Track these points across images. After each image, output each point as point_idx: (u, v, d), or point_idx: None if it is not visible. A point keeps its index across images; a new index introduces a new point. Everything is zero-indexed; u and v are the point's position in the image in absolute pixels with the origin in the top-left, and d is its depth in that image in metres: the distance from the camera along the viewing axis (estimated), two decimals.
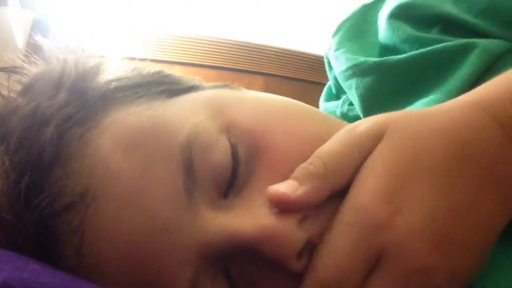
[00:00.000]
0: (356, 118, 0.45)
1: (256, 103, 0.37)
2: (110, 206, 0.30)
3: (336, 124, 0.37)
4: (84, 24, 1.24)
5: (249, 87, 0.43)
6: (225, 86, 0.40)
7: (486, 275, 0.31)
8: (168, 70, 0.40)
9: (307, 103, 0.39)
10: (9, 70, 0.36)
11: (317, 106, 0.52)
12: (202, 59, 1.45)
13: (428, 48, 0.40)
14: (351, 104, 0.47)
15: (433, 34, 0.42)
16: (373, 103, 0.42)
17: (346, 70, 0.44)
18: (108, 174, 0.30)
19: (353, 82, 0.43)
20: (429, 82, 0.40)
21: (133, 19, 1.40)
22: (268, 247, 0.29)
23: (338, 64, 0.45)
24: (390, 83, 0.42)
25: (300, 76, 1.53)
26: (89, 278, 0.30)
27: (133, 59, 0.41)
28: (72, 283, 0.28)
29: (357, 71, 0.43)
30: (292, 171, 0.31)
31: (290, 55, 1.52)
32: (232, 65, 1.48)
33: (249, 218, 0.30)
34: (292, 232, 0.29)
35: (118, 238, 0.30)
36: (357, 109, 0.44)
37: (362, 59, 0.43)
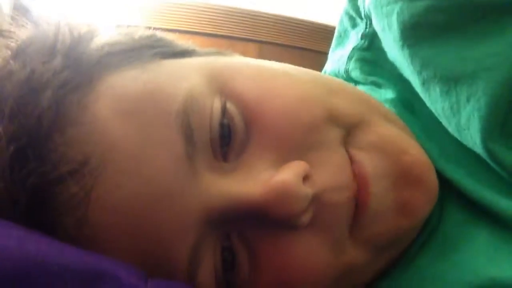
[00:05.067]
0: (357, 81, 0.43)
1: (249, 68, 0.36)
2: (111, 174, 0.29)
3: (332, 86, 0.37)
4: None
5: (243, 54, 0.43)
6: (218, 52, 0.40)
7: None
8: (160, 33, 0.40)
9: None
10: None
11: None
12: (194, 26, 1.43)
13: None
14: (357, 60, 0.44)
15: None
16: (415, 34, 0.36)
17: None
18: (107, 142, 0.30)
19: (396, 6, 0.36)
20: (490, 26, 0.34)
21: None
22: (277, 207, 0.30)
23: None
24: (447, 13, 0.34)
25: (295, 43, 1.51)
26: (88, 248, 0.29)
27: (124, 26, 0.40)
28: (57, 248, 0.27)
29: None
30: (286, 134, 0.32)
31: (285, 22, 1.50)
32: (225, 32, 1.46)
33: (253, 182, 0.31)
34: (299, 189, 0.30)
35: (120, 206, 0.29)
36: (389, 39, 0.38)
37: None
